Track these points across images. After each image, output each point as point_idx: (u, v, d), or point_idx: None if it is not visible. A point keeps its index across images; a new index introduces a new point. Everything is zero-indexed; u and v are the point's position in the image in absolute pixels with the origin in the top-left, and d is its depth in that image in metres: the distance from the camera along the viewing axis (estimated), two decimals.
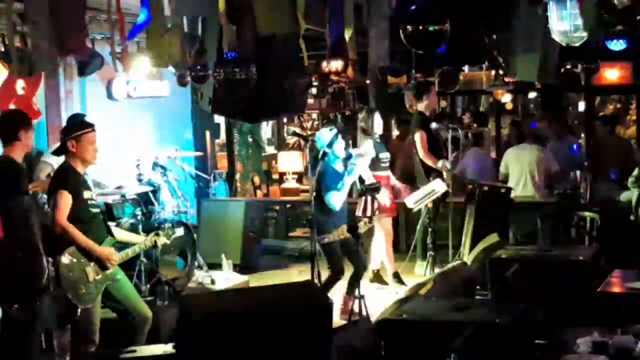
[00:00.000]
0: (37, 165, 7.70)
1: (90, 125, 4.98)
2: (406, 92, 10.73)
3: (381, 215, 7.43)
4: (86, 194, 4.88)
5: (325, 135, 6.67)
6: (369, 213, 6.99)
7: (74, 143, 4.84)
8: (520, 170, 8.25)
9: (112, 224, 5.74)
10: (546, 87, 10.91)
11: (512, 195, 8.22)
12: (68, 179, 4.84)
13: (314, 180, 6.56)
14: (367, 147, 7.35)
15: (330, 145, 6.56)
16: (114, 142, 8.63)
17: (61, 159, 5.12)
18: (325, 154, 6.59)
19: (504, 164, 8.57)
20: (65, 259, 4.74)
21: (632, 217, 7.90)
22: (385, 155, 7.58)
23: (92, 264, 4.81)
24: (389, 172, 7.69)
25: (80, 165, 4.92)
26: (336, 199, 6.48)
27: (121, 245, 5.28)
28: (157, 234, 5.30)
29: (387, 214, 7.56)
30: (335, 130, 6.65)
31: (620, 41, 6.17)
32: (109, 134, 8.56)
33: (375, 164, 7.42)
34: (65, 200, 4.73)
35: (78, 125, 5.02)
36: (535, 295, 4.99)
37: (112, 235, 5.05)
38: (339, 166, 6.62)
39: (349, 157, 6.65)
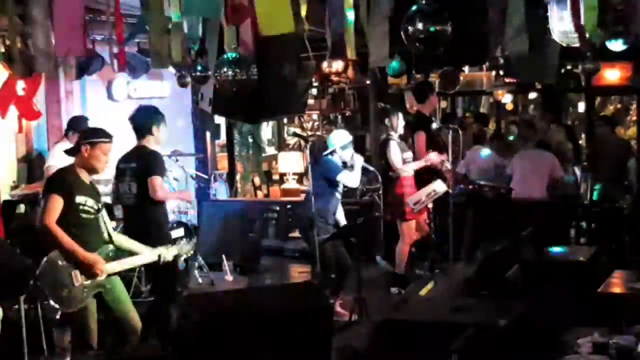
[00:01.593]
0: (38, 167, 7.72)
1: (109, 137, 5.03)
2: (406, 92, 10.72)
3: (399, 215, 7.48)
4: (79, 199, 4.81)
5: (341, 137, 6.91)
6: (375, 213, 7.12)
7: (88, 148, 4.86)
8: (524, 172, 8.26)
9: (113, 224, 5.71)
10: (546, 87, 10.91)
11: (513, 195, 8.23)
12: (63, 182, 4.82)
13: (318, 175, 6.78)
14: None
15: (342, 148, 6.72)
16: (114, 142, 8.62)
17: (66, 162, 5.13)
18: (332, 152, 6.75)
19: (509, 166, 8.60)
20: (49, 260, 4.71)
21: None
22: (407, 156, 7.59)
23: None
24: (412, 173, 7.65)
25: (85, 171, 4.91)
26: (349, 176, 6.75)
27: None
28: (167, 248, 5.24)
29: (410, 216, 7.55)
30: (351, 138, 6.97)
31: (621, 41, 6.16)
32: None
33: None
34: (55, 204, 4.70)
35: (97, 133, 5.05)
36: (535, 296, 4.98)
37: (111, 242, 5.02)
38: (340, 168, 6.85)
39: (350, 165, 6.87)
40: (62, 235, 4.69)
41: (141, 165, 5.67)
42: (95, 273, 4.77)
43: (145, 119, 5.82)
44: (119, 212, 7.82)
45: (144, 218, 5.64)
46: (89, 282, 4.79)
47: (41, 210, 4.76)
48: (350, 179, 6.80)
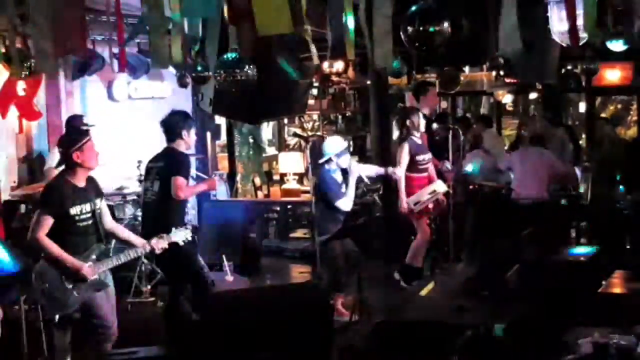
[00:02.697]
0: (38, 167, 7.71)
1: (88, 133, 5.06)
2: (407, 93, 10.72)
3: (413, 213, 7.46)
4: (74, 210, 4.80)
5: (336, 144, 6.88)
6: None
7: (79, 154, 4.82)
8: (525, 172, 8.24)
9: None
10: (547, 88, 10.90)
11: (514, 196, 8.23)
12: (54, 198, 4.81)
13: (315, 183, 6.76)
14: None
15: (337, 156, 6.71)
16: (114, 143, 8.63)
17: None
18: (328, 161, 6.73)
19: (507, 164, 8.58)
20: (39, 266, 4.77)
21: None
22: (423, 157, 7.55)
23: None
24: (426, 174, 7.54)
25: (81, 173, 4.88)
26: (344, 203, 6.71)
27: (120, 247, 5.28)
28: (161, 236, 5.23)
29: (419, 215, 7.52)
30: (346, 144, 6.94)
31: (621, 42, 6.16)
32: (110, 134, 8.57)
33: (411, 166, 7.41)
34: (45, 221, 4.73)
35: (78, 135, 5.04)
36: (536, 296, 4.98)
37: (106, 239, 5.04)
38: (337, 175, 6.80)
39: (346, 171, 6.82)
40: (52, 245, 4.73)
41: (166, 165, 5.79)
42: (82, 277, 4.78)
43: (175, 124, 5.89)
44: (119, 212, 7.87)
45: (160, 216, 5.70)
46: (80, 284, 4.79)
47: (31, 225, 4.79)
48: (347, 204, 6.76)
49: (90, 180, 5.03)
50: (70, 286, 4.79)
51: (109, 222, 5.17)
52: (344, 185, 6.78)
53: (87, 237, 4.90)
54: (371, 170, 7.25)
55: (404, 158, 7.34)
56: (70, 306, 4.85)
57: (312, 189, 6.84)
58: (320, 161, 6.82)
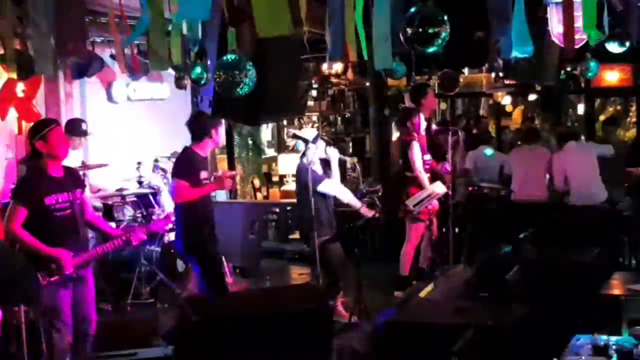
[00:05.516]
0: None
1: (54, 121, 5.02)
2: (406, 94, 10.72)
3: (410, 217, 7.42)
4: (50, 200, 4.78)
5: (309, 132, 6.93)
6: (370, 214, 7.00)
7: (42, 143, 4.79)
8: (524, 173, 8.24)
9: None
10: (546, 89, 10.90)
11: (514, 196, 8.22)
12: (30, 190, 4.80)
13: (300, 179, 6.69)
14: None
15: (314, 141, 6.69)
16: (114, 144, 8.63)
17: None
18: (305, 153, 6.70)
19: (507, 164, 8.59)
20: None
21: None
22: (427, 157, 7.52)
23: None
24: (428, 175, 7.49)
25: (51, 163, 4.84)
26: (327, 185, 6.59)
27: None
28: (141, 228, 5.20)
29: (424, 216, 7.50)
30: (315, 133, 6.95)
31: (620, 43, 6.17)
32: (109, 136, 8.56)
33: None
34: (17, 212, 4.71)
35: (42, 125, 4.97)
36: (536, 298, 4.98)
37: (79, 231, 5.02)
38: (317, 168, 6.71)
39: (326, 162, 6.78)
40: (27, 236, 4.71)
41: (174, 167, 5.87)
42: (61, 268, 4.73)
43: (204, 123, 5.98)
44: (118, 213, 7.86)
45: (178, 218, 5.68)
46: (54, 278, 4.75)
47: (6, 217, 4.77)
48: (332, 187, 6.64)
49: (69, 171, 5.02)
50: (47, 281, 4.72)
51: (89, 214, 5.18)
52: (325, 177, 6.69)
53: (65, 228, 4.85)
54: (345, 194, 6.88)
55: (417, 156, 7.34)
56: (46, 301, 4.77)
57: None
58: (300, 155, 6.75)
